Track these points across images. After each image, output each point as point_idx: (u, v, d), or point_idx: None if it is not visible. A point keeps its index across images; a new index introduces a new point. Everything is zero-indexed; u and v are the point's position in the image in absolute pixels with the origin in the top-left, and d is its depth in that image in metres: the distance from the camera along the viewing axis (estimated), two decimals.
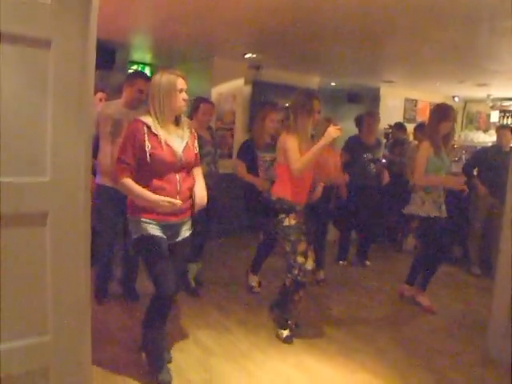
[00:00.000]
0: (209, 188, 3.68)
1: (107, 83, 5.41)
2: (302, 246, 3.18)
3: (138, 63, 7.53)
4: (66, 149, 1.40)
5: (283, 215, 3.22)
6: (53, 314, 1.45)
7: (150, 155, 2.41)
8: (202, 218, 3.87)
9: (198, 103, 3.91)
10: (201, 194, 2.65)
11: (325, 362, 3.04)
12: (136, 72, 3.84)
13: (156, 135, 2.44)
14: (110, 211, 3.46)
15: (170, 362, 2.81)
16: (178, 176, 2.52)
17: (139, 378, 2.65)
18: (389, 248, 6.10)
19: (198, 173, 2.75)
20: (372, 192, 5.02)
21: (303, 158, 3.08)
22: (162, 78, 2.48)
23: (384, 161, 5.36)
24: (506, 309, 3.08)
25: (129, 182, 2.43)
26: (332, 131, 2.99)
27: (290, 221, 3.20)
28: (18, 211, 1.34)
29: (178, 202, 2.43)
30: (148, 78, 3.60)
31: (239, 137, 6.40)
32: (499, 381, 2.93)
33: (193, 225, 2.75)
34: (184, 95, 2.52)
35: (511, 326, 3.04)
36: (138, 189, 2.42)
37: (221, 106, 6.48)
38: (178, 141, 2.54)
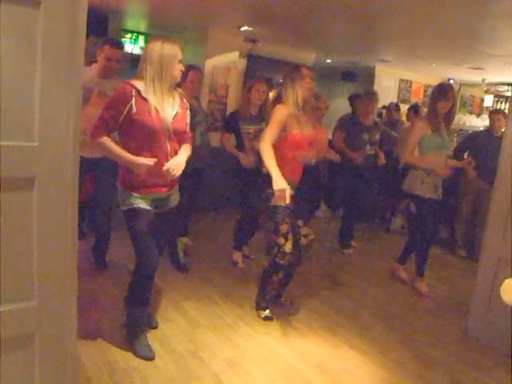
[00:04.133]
0: (202, 159, 3.66)
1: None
2: (284, 228, 3.12)
3: (131, 31, 7.40)
4: (54, 113, 1.36)
5: (271, 191, 3.08)
6: (39, 280, 1.44)
7: (135, 119, 2.36)
8: (188, 192, 3.89)
9: (187, 71, 3.80)
10: (180, 162, 2.52)
11: (309, 336, 3.09)
12: (105, 38, 3.65)
13: (146, 100, 2.38)
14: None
15: (155, 327, 2.89)
16: (169, 147, 2.47)
17: (124, 343, 2.68)
18: (377, 228, 6.15)
19: (186, 148, 2.64)
20: (366, 173, 4.89)
21: (266, 149, 2.96)
22: (165, 46, 2.41)
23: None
24: (487, 290, 3.14)
25: (107, 140, 2.39)
26: (280, 197, 2.90)
27: (276, 200, 3.10)
28: (5, 175, 1.32)
29: (150, 161, 2.37)
30: (117, 45, 3.46)
31: (232, 110, 6.35)
32: (477, 359, 3.00)
33: (180, 194, 2.75)
34: (181, 66, 2.50)
35: (491, 307, 3.11)
36: (116, 148, 2.39)
37: (214, 78, 6.41)
38: (170, 109, 2.48)
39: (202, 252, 4.46)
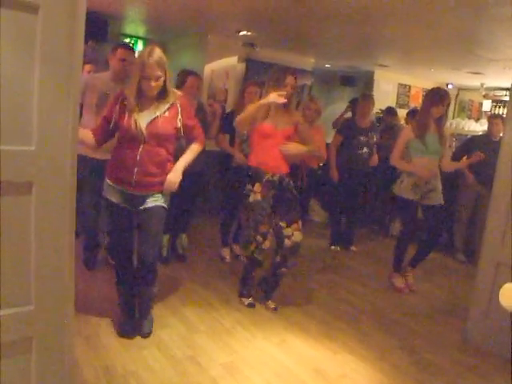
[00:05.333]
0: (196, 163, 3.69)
1: (99, 55, 5.33)
2: (263, 227, 3.29)
3: (130, 36, 7.43)
4: (52, 117, 1.36)
5: (249, 186, 3.30)
6: (36, 284, 1.44)
7: (116, 122, 2.56)
8: (187, 194, 3.94)
9: (185, 77, 3.81)
10: (170, 178, 2.67)
11: (308, 341, 3.08)
12: (118, 43, 3.83)
13: (125, 105, 2.53)
14: (91, 182, 3.41)
15: (148, 335, 2.87)
16: (140, 148, 2.55)
17: (122, 348, 2.68)
18: (376, 233, 6.15)
19: (191, 148, 2.80)
20: (361, 176, 5.00)
21: (241, 115, 3.22)
22: (139, 57, 2.57)
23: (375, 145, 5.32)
24: (486, 295, 3.13)
25: (84, 131, 2.59)
26: (272, 95, 3.06)
27: (255, 196, 3.27)
28: (2, 180, 1.31)
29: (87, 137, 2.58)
30: (130, 48, 3.60)
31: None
32: (476, 364, 2.99)
33: (166, 199, 2.76)
34: (149, 82, 2.48)
35: (490, 312, 3.11)
36: (81, 132, 2.53)
37: (213, 82, 6.42)
38: (146, 114, 2.55)
39: (199, 257, 4.45)
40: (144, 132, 2.52)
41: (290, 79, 3.21)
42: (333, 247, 5.22)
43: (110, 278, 3.43)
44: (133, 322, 2.88)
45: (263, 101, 3.10)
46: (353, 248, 5.26)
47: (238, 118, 3.24)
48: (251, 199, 3.28)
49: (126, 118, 2.52)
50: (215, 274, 4.08)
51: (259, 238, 3.29)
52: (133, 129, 2.51)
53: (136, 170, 2.57)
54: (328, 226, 5.62)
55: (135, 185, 2.60)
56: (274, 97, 3.03)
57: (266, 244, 3.31)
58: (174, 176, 2.68)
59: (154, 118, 2.56)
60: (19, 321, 1.45)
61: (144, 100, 2.56)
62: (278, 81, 3.20)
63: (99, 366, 2.50)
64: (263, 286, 3.56)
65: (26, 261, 1.41)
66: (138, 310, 2.91)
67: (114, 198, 2.65)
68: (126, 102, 2.53)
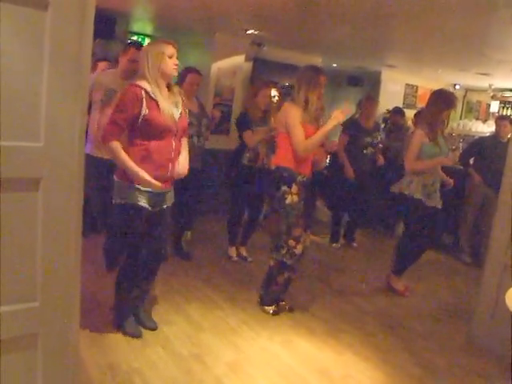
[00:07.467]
0: (197, 160, 3.73)
1: (107, 52, 5.33)
2: (297, 231, 3.14)
3: (138, 34, 7.42)
4: (61, 114, 1.36)
5: (285, 188, 3.12)
6: (42, 281, 1.43)
7: (146, 120, 2.43)
8: (187, 191, 3.94)
9: (186, 73, 3.85)
10: (184, 163, 2.71)
11: (312, 341, 3.07)
12: (130, 41, 3.84)
13: (155, 100, 2.46)
14: (98, 182, 3.39)
15: (155, 329, 2.90)
16: (173, 143, 2.55)
17: (126, 345, 2.69)
18: (381, 233, 6.12)
19: (185, 143, 2.78)
20: (366, 175, 5.07)
21: (309, 140, 3.05)
22: (152, 46, 2.58)
23: (380, 145, 5.33)
24: (492, 297, 3.12)
25: (117, 145, 2.46)
26: (339, 116, 3.01)
27: (292, 197, 3.12)
28: (11, 176, 1.32)
29: (157, 184, 2.49)
30: (141, 47, 3.57)
31: (238, 114, 6.34)
32: (481, 366, 2.98)
33: (181, 193, 2.87)
34: (174, 60, 2.54)
35: (495, 314, 3.09)
36: (125, 156, 2.46)
37: (220, 81, 6.41)
38: (175, 108, 2.57)
39: (204, 254, 4.45)
40: (178, 126, 2.56)
41: (322, 79, 3.13)
42: (334, 245, 5.29)
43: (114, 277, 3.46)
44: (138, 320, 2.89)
45: (332, 123, 3.02)
46: (354, 244, 5.38)
47: (309, 146, 3.06)
48: (288, 201, 3.11)
49: (161, 112, 2.45)
50: (220, 272, 4.08)
51: (291, 242, 3.14)
52: (170, 121, 2.50)
53: (170, 164, 2.57)
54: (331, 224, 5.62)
55: (166, 179, 2.59)
56: (341, 115, 3.03)
57: (299, 249, 3.16)
58: (187, 164, 2.73)
59: (181, 113, 2.60)
60: (24, 317, 1.45)
61: (160, 92, 2.51)
62: (310, 79, 3.10)
63: (104, 363, 2.51)
64: (261, 291, 3.45)
65: (32, 257, 1.41)
66: (139, 302, 2.90)
67: (143, 202, 2.53)
68: (152, 96, 2.44)
